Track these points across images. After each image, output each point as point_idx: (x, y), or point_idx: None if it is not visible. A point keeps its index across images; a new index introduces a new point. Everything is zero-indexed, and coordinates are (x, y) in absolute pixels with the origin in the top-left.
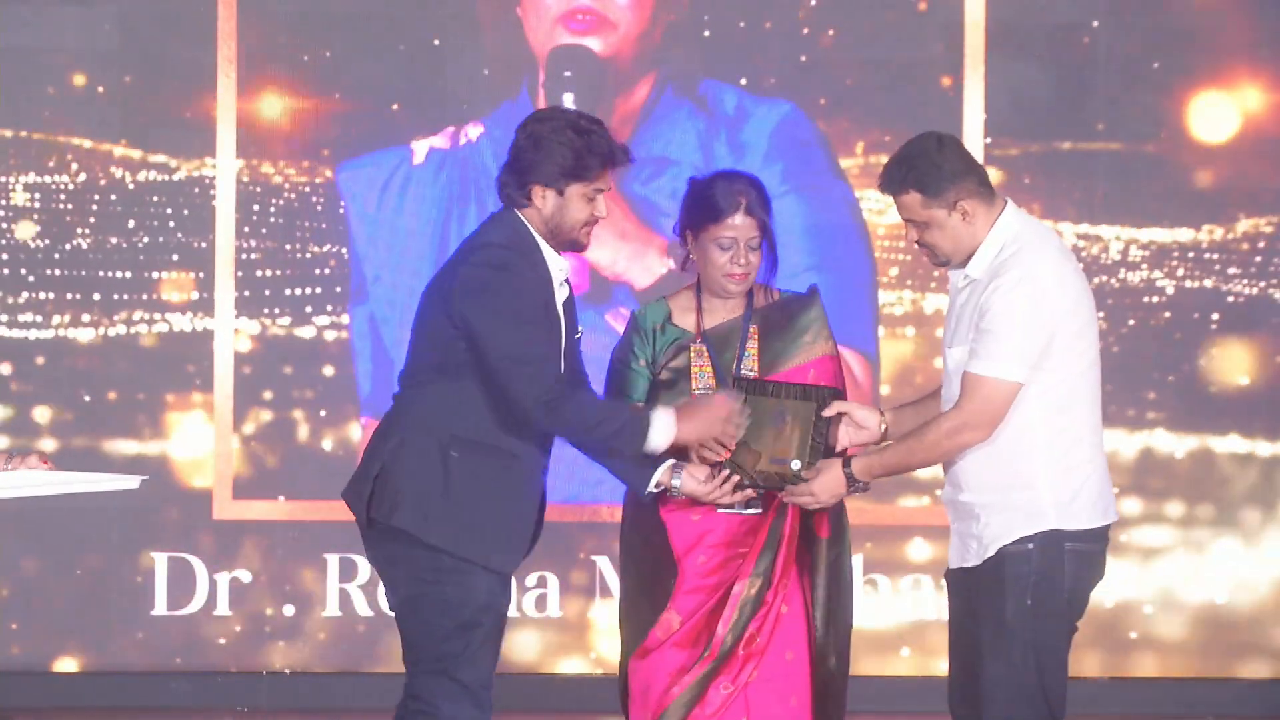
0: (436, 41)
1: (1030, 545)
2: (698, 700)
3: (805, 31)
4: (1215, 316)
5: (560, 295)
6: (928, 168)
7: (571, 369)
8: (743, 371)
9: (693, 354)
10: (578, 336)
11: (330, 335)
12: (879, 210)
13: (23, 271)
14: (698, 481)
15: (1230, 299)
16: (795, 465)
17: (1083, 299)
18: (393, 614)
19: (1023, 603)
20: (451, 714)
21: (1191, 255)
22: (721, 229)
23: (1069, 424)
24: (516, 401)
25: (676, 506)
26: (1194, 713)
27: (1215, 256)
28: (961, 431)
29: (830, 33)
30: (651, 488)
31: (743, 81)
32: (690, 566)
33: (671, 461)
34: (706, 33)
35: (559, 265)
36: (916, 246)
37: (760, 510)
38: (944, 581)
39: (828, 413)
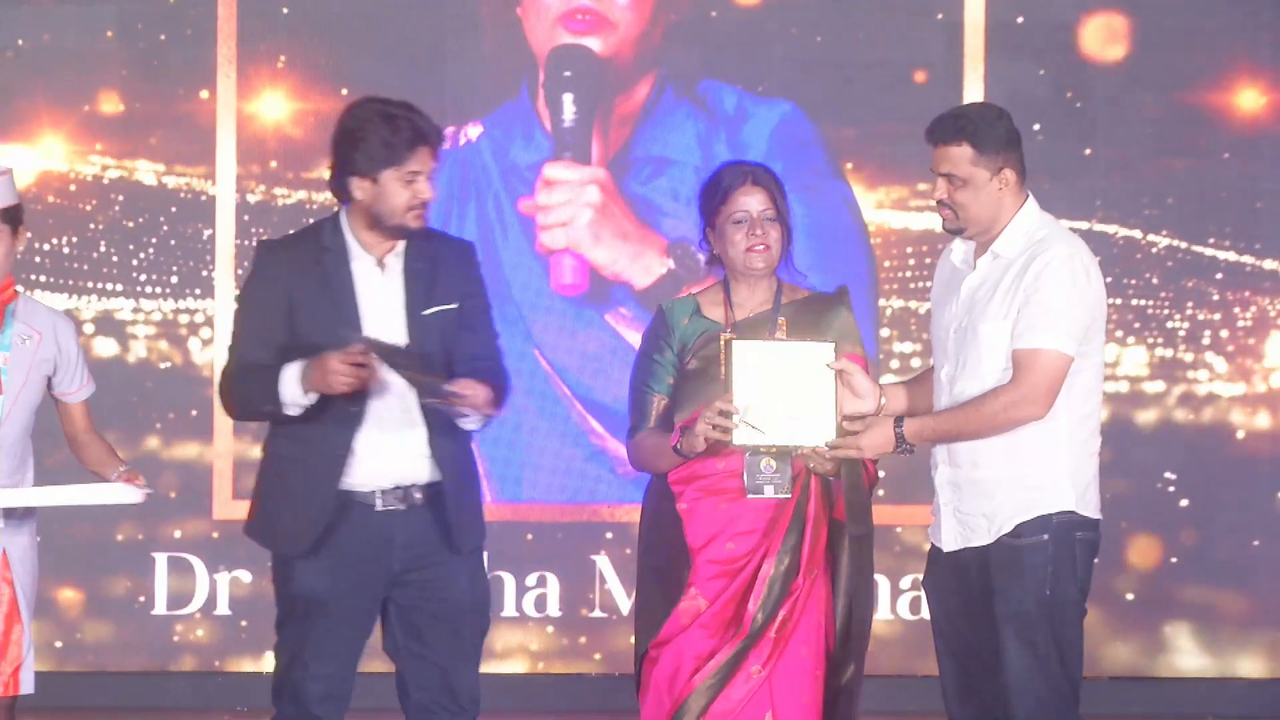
0: (437, 41)
1: (1045, 536)
2: (725, 683)
3: (805, 32)
4: (1214, 316)
5: (369, 275)
6: (986, 126)
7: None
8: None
9: (722, 343)
10: (429, 313)
11: None
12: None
13: (21, 272)
14: (695, 432)
15: (1223, 301)
16: (812, 421)
17: (1104, 295)
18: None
19: (1042, 594)
20: (274, 699)
21: (1189, 255)
22: (733, 205)
23: (1090, 412)
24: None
25: (698, 495)
26: (1194, 712)
27: (1213, 256)
28: (1020, 405)
29: (830, 33)
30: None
31: (753, 79)
32: (714, 554)
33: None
34: (706, 33)
35: (377, 248)
36: (937, 205)
37: (788, 495)
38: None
39: (833, 366)
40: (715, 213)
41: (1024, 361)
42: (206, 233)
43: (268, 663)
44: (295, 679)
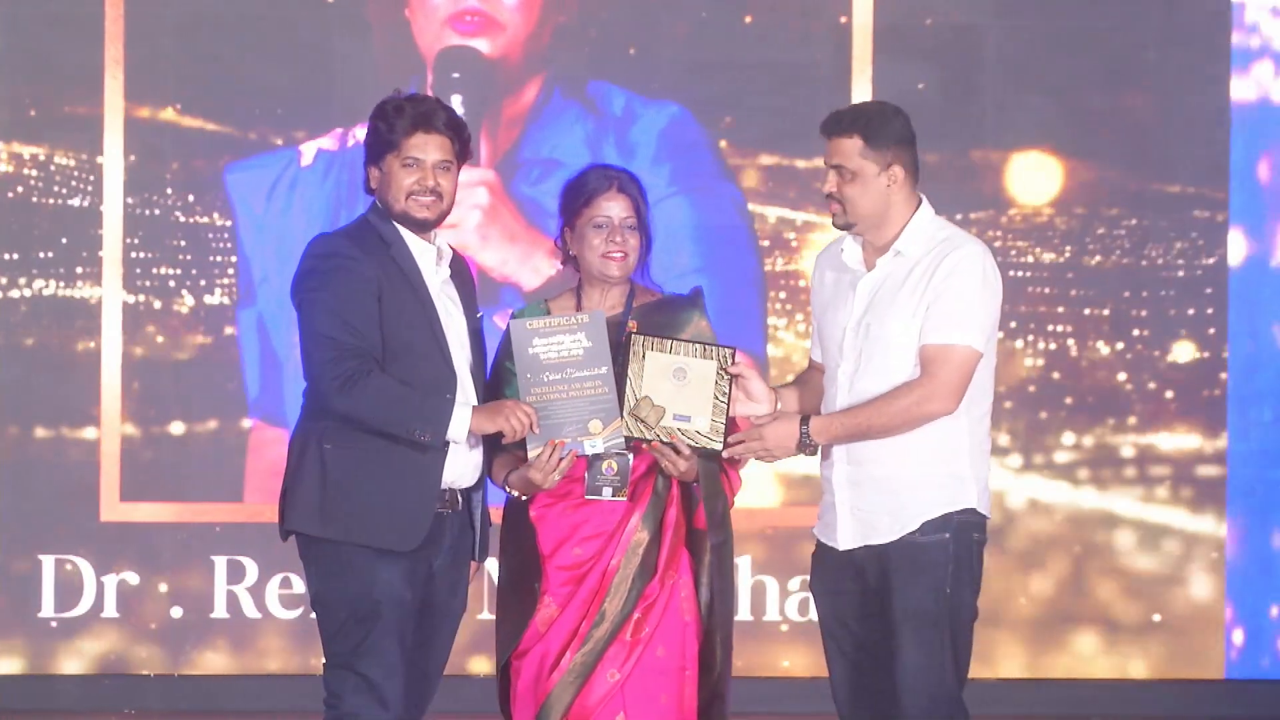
0: (325, 43)
1: (946, 535)
2: (585, 681)
3: (694, 33)
4: (1107, 319)
5: (435, 276)
6: (879, 121)
7: (458, 351)
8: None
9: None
10: (479, 316)
11: (219, 337)
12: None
13: None
14: (526, 471)
15: (1108, 308)
16: (700, 423)
17: (1001, 297)
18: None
19: (943, 591)
20: (353, 707)
21: (1080, 259)
22: (595, 209)
23: (984, 413)
24: (313, 382)
25: (549, 501)
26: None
27: (1102, 260)
28: (932, 400)
29: (719, 35)
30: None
31: (642, 80)
32: (562, 560)
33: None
34: (595, 34)
35: (426, 248)
36: (826, 198)
37: (625, 498)
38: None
39: (730, 371)
40: (577, 214)
41: (936, 356)
42: (95, 235)
43: (155, 665)
44: (387, 691)
